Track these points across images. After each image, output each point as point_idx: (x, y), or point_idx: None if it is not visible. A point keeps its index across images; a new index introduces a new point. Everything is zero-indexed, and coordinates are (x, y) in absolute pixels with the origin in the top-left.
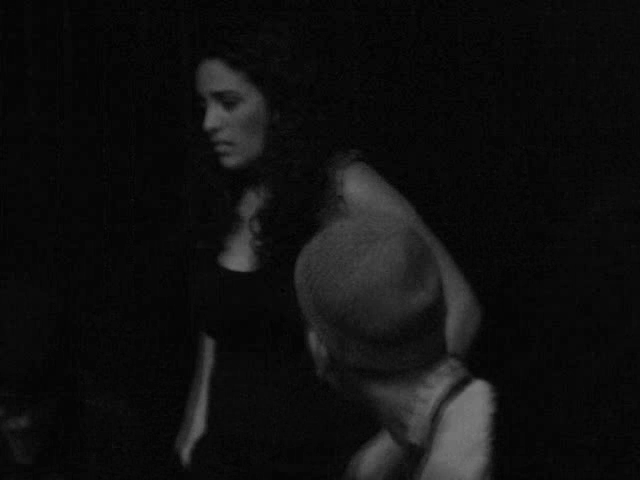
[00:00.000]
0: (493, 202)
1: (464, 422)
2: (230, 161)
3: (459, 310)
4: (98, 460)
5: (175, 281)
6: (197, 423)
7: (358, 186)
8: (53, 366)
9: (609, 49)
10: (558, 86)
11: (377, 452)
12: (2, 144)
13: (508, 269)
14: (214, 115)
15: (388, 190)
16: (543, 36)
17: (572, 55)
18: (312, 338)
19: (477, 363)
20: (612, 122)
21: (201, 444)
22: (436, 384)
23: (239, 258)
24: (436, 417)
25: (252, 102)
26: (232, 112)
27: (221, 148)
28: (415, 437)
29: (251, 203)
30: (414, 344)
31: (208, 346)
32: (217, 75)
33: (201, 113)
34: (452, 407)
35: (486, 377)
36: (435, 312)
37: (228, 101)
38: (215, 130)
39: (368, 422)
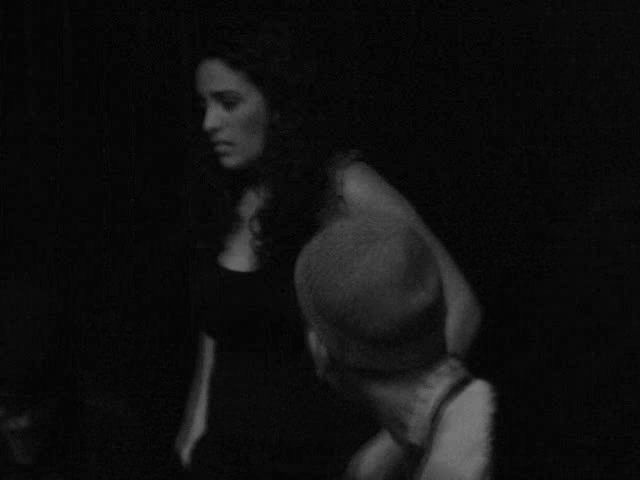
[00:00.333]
0: (493, 202)
1: (464, 422)
2: (230, 161)
3: (459, 310)
4: (98, 460)
5: (175, 281)
6: (197, 423)
7: (358, 186)
8: (53, 366)
9: (609, 49)
10: (558, 86)
11: (377, 452)
12: (2, 144)
13: (508, 269)
14: (214, 115)
15: (388, 190)
16: (543, 36)
17: (572, 55)
18: (312, 338)
19: (477, 363)
20: (612, 122)
21: (201, 444)
22: (436, 384)
23: (239, 258)
24: (436, 417)
25: (252, 102)
26: (232, 112)
27: (221, 148)
28: (415, 437)
29: (251, 203)
30: (414, 344)
31: (208, 346)
32: (217, 75)
33: (201, 113)
34: (452, 407)
35: (486, 377)
36: (435, 312)
37: (228, 101)
38: (215, 130)
39: (368, 422)
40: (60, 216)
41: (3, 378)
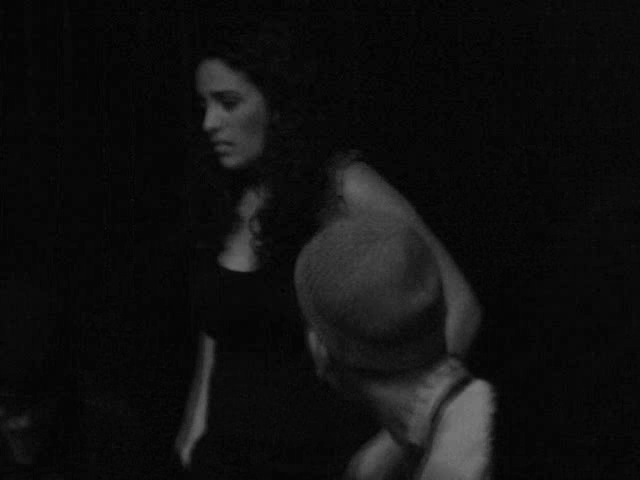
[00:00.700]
0: (493, 202)
1: (464, 422)
2: (230, 161)
3: (459, 310)
4: (98, 460)
5: (175, 281)
6: (197, 423)
7: (358, 186)
8: (53, 366)
9: (609, 49)
10: (558, 86)
11: (377, 452)
12: (2, 144)
13: (508, 269)
14: (214, 115)
15: (388, 190)
16: (543, 36)
17: (572, 55)
18: (312, 338)
19: (477, 363)
20: (612, 122)
21: (201, 444)
22: (436, 384)
23: (239, 258)
24: (436, 417)
25: (252, 102)
26: (232, 112)
27: (221, 148)
28: (415, 437)
29: (251, 203)
30: (414, 344)
31: (208, 346)
32: (217, 75)
33: (201, 113)
34: (452, 407)
35: (486, 377)
36: (435, 312)
37: (228, 101)
38: (215, 130)
39: (368, 422)
40: (60, 216)
41: (3, 378)
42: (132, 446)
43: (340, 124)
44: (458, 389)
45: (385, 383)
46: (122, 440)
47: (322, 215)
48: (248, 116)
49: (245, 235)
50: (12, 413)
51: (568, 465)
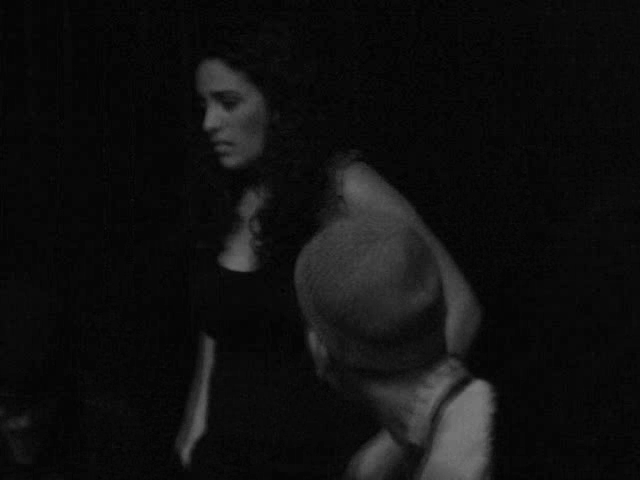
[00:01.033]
0: (493, 202)
1: (464, 422)
2: (230, 161)
3: (459, 310)
4: (98, 460)
5: (175, 281)
6: (197, 423)
7: (358, 186)
8: (53, 366)
9: (609, 49)
10: (558, 86)
11: (377, 452)
12: (2, 144)
13: (508, 269)
14: (214, 115)
15: (388, 190)
16: (543, 36)
17: (572, 55)
18: (312, 338)
19: (477, 363)
20: (612, 122)
21: (201, 444)
22: (436, 384)
23: (239, 258)
24: (436, 417)
25: (252, 102)
26: (232, 112)
27: (221, 148)
28: (415, 437)
29: (251, 203)
30: (414, 344)
31: (208, 346)
32: (217, 75)
33: (201, 113)
34: (452, 407)
35: (486, 377)
36: (435, 312)
37: (228, 101)
38: (215, 130)
39: (368, 422)
40: (60, 216)
41: (3, 378)
42: (132, 446)
43: (340, 124)
44: (458, 389)
45: (385, 383)
46: (122, 440)
47: (322, 215)
48: (248, 116)
49: (245, 235)
50: (12, 413)
51: (568, 465)
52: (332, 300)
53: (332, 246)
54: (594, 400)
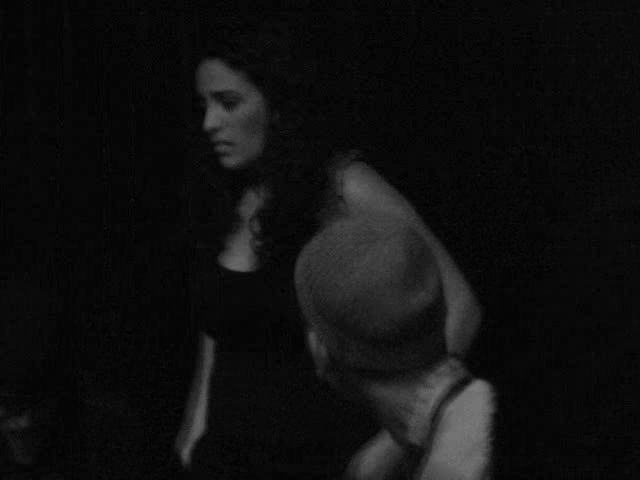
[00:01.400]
0: (493, 202)
1: (464, 422)
2: (230, 161)
3: (459, 310)
4: (98, 460)
5: (175, 281)
6: (197, 423)
7: (358, 186)
8: (53, 366)
9: (609, 49)
10: (558, 86)
11: (377, 452)
12: (2, 144)
13: (508, 269)
14: (214, 115)
15: (388, 190)
16: (543, 36)
17: (572, 55)
18: (312, 338)
19: (477, 363)
20: (612, 122)
21: (201, 444)
22: (436, 384)
23: (239, 258)
24: (436, 417)
25: (252, 102)
26: (232, 112)
27: (221, 148)
28: (415, 437)
29: (251, 203)
30: (414, 344)
31: (208, 346)
32: (217, 75)
33: (201, 113)
34: (452, 407)
35: (486, 377)
36: (435, 312)
37: (228, 101)
38: (215, 130)
39: (368, 422)
40: (60, 216)
41: (3, 378)
42: (132, 446)
43: (340, 124)
44: (458, 389)
45: (385, 383)
46: (122, 440)
47: (322, 215)
48: (248, 116)
49: (245, 235)
50: (12, 413)
51: (568, 465)
52: (332, 300)
53: (332, 246)
54: (594, 400)
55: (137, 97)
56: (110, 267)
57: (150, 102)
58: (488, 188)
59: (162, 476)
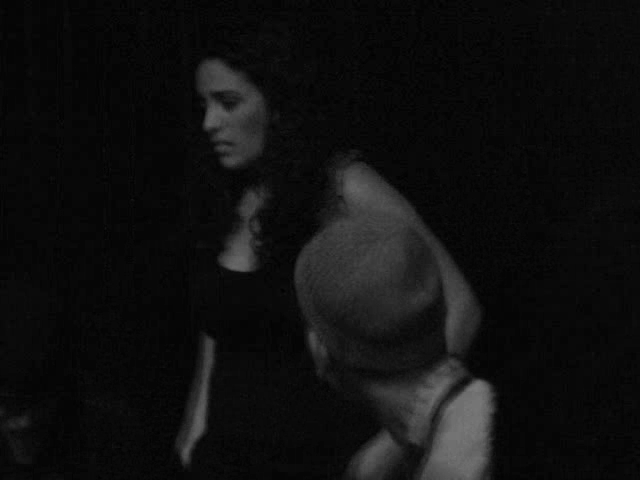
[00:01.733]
0: (493, 202)
1: (464, 422)
2: (230, 161)
3: (459, 310)
4: (98, 460)
5: (175, 281)
6: (197, 423)
7: (358, 186)
8: (53, 366)
9: (609, 49)
10: (558, 86)
11: (377, 452)
12: (2, 144)
13: (508, 269)
14: (214, 115)
15: (388, 190)
16: (543, 36)
17: (572, 55)
18: (312, 338)
19: (477, 363)
20: (612, 122)
21: (201, 444)
22: (436, 384)
23: (239, 258)
24: (436, 417)
25: (252, 102)
26: (232, 112)
27: (221, 148)
28: (415, 437)
29: (251, 203)
30: (414, 344)
31: (208, 346)
32: (217, 75)
33: (201, 113)
34: (452, 407)
35: (486, 377)
36: (435, 312)
37: (228, 101)
38: (215, 130)
39: (368, 422)
40: (60, 216)
41: (3, 378)
42: (132, 446)
43: (340, 124)
44: (458, 389)
45: (385, 383)
46: (122, 440)
47: (322, 215)
48: (248, 116)
49: (245, 235)
50: (12, 413)
51: (568, 465)
52: (332, 300)
53: (332, 246)
54: (594, 400)
55: (137, 97)
56: (110, 267)
57: (150, 102)
58: (488, 188)
59: (162, 476)
